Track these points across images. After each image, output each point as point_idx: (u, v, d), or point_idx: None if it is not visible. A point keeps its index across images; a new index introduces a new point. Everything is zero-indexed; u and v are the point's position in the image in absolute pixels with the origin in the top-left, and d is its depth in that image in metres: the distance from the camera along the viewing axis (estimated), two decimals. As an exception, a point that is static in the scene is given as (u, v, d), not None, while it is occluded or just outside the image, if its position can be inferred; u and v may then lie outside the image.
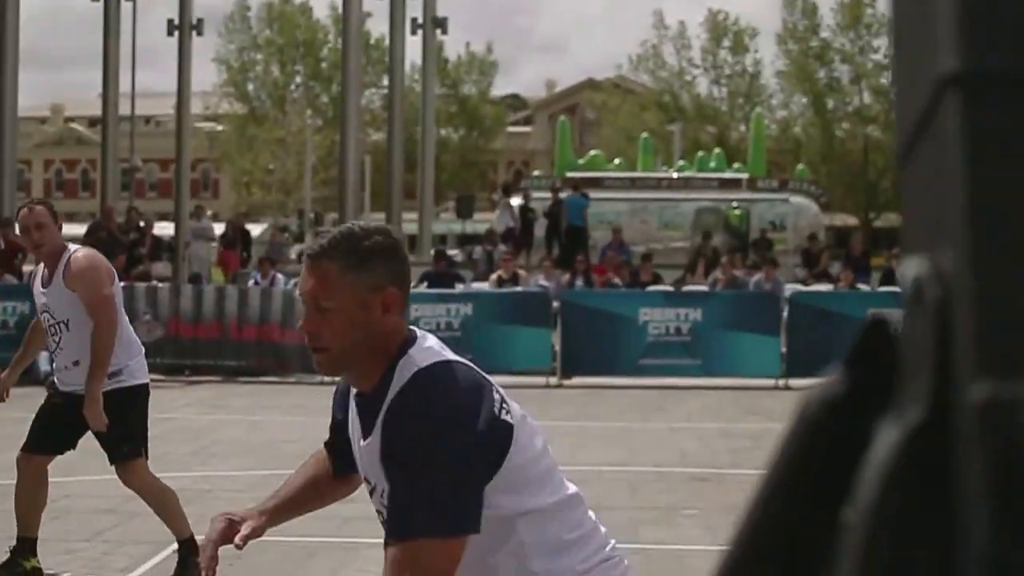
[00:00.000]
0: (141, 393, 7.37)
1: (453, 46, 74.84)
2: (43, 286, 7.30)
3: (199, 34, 37.29)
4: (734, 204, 35.00)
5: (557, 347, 17.07)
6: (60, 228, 7.41)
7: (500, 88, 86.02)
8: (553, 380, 16.86)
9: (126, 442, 7.22)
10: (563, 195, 28.46)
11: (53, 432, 7.51)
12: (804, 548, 0.81)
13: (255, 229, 40.18)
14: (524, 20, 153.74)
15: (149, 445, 7.36)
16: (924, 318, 0.65)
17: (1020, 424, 0.58)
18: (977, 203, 0.60)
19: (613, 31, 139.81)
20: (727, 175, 38.84)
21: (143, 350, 7.57)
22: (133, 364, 7.32)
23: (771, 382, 16.58)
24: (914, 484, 0.65)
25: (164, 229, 33.31)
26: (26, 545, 7.37)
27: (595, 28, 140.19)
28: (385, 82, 62.65)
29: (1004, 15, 0.60)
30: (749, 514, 0.84)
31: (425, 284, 20.14)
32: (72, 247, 7.42)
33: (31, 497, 7.45)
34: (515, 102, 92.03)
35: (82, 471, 10.50)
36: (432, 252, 26.34)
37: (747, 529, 0.84)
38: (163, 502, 7.32)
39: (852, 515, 0.69)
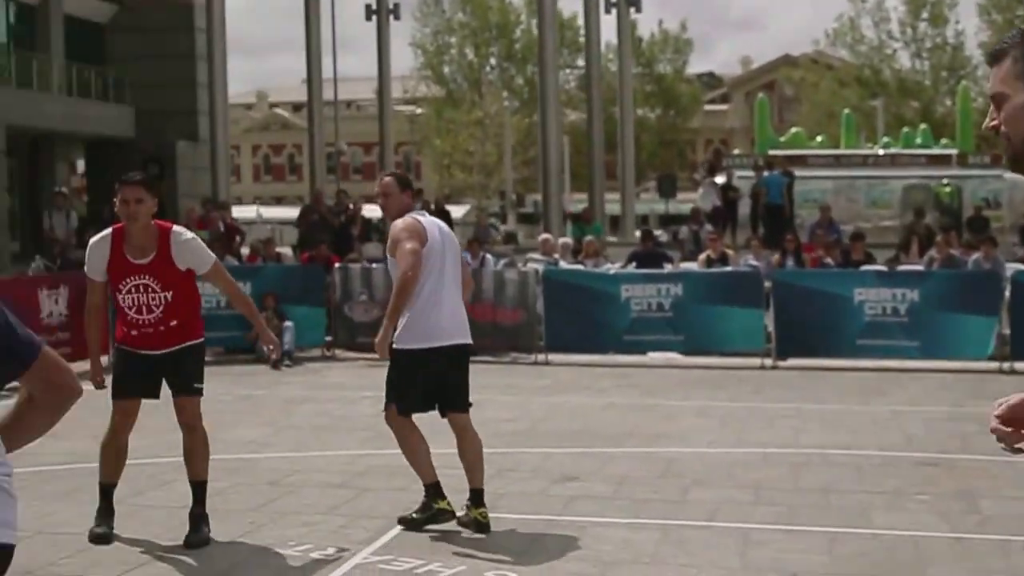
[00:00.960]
0: None
1: (646, 24, 74.52)
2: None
3: (396, 18, 37.77)
4: (944, 181, 34.06)
5: (770, 328, 16.83)
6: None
7: (695, 66, 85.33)
8: (768, 362, 16.64)
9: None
10: (744, 174, 28.10)
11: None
12: None
13: (456, 211, 40.60)
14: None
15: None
16: None
17: None
18: None
19: (811, 5, 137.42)
20: (935, 151, 37.83)
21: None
22: None
23: (994, 365, 16.08)
24: None
25: (371, 211, 33.77)
26: (431, 490, 7.98)
27: (792, 3, 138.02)
28: (579, 62, 62.88)
29: None
30: None
31: (633, 264, 20.07)
32: None
33: (413, 450, 8.03)
34: (711, 80, 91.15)
35: (310, 447, 10.78)
36: (638, 232, 26.25)
37: None
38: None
39: None
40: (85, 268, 7.99)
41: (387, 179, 8.25)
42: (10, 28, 42.50)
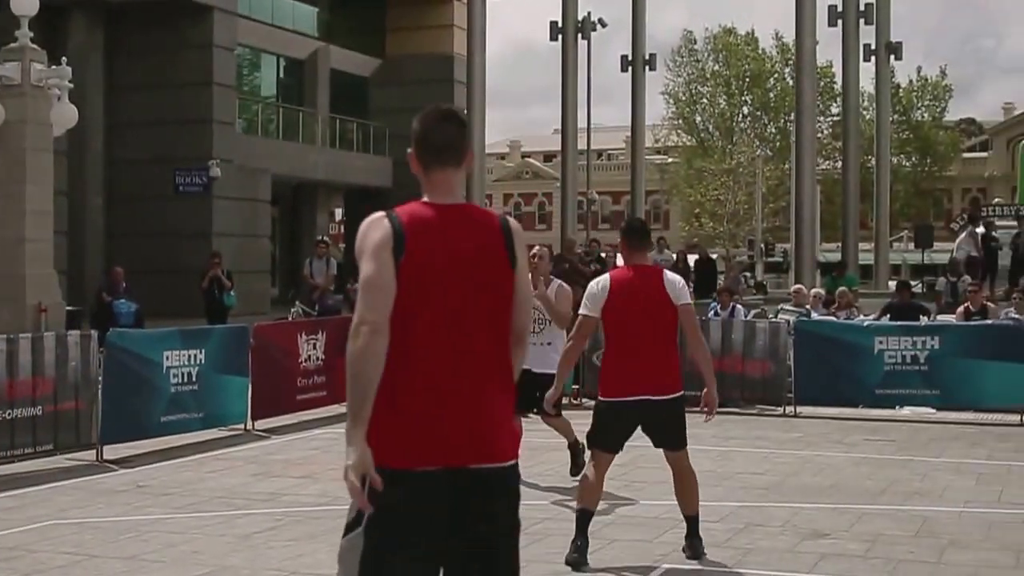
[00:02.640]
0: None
1: (904, 70, 72.88)
2: None
3: (651, 69, 37.89)
4: None
5: (1032, 384, 16.13)
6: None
7: (955, 113, 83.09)
8: (1029, 418, 15.96)
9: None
10: (1005, 224, 27.09)
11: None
12: None
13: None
14: (989, 41, 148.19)
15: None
16: None
17: None
18: None
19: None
20: None
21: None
22: None
23: None
24: None
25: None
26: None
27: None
28: (832, 110, 61.98)
29: None
30: None
31: (888, 316, 19.57)
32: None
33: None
34: (970, 127, 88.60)
35: (561, 493, 10.79)
36: (894, 283, 25.61)
37: None
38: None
39: None
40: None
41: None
42: (279, 83, 44.32)
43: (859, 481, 11.73)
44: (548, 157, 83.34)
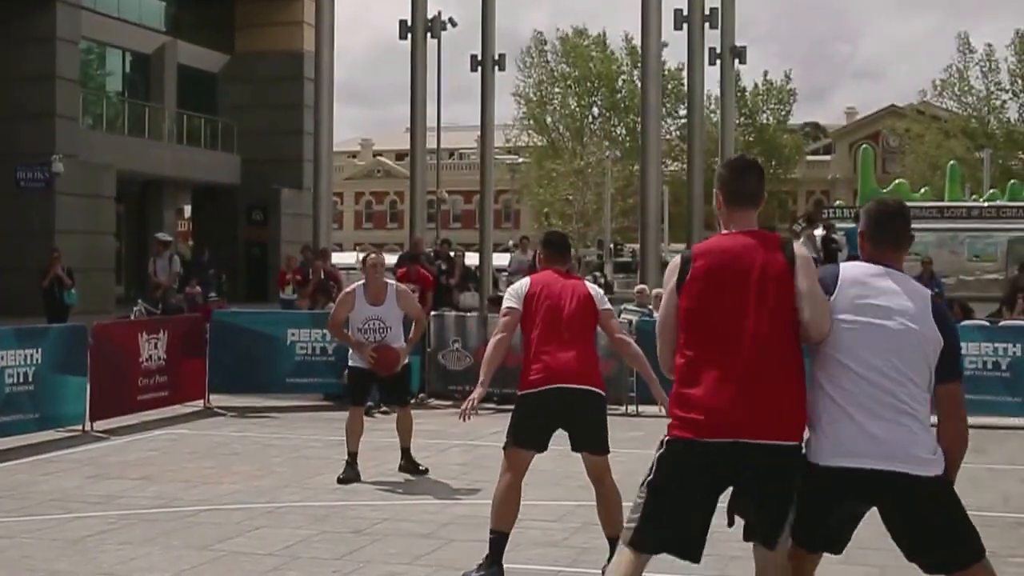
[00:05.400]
0: None
1: (751, 74, 74.35)
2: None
3: (501, 69, 37.97)
4: (1052, 234, 33.41)
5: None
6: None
7: (802, 116, 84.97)
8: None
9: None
10: (844, 226, 27.80)
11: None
12: None
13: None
14: (845, 47, 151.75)
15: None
16: None
17: None
18: None
19: (932, 55, 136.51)
20: (1042, 204, 37.14)
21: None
22: None
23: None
24: None
25: (472, 260, 33.92)
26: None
27: (913, 53, 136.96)
28: (680, 112, 62.86)
29: None
30: None
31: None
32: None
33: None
34: (814, 130, 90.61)
35: (399, 496, 10.80)
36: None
37: None
38: None
39: None
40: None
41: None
42: (125, 77, 43.52)
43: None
44: (400, 156, 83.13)
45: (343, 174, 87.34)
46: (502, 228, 67.28)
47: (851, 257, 26.32)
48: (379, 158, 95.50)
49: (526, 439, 7.87)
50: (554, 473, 10.87)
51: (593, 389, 7.88)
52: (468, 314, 18.66)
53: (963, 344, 16.19)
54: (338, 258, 36.31)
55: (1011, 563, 8.51)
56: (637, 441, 14.30)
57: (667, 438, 5.42)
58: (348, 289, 11.94)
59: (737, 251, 5.36)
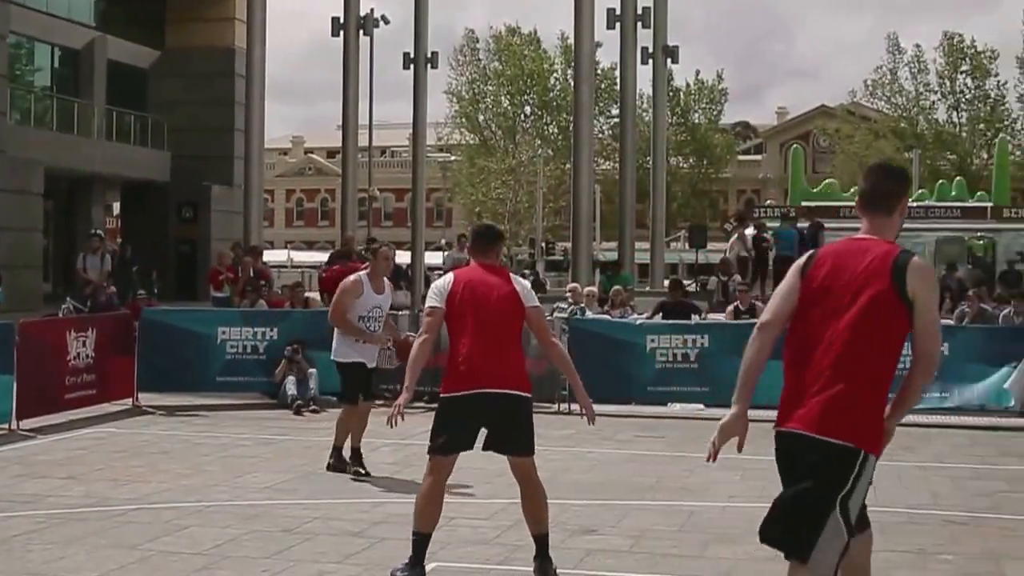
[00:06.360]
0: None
1: (683, 74, 74.68)
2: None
3: (433, 67, 37.93)
4: (978, 234, 33.87)
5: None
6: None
7: (735, 116, 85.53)
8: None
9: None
10: (773, 225, 28.00)
11: None
12: None
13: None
14: (779, 46, 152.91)
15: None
16: None
17: None
18: None
19: (871, 55, 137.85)
20: (970, 204, 37.64)
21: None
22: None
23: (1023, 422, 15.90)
24: None
25: (401, 258, 33.88)
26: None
27: (849, 53, 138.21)
28: (613, 111, 63.06)
29: None
30: None
31: (660, 315, 19.98)
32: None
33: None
34: (745, 130, 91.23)
35: (329, 494, 10.74)
36: (667, 282, 26.17)
37: None
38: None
39: None
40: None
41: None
42: (54, 72, 42.99)
43: (629, 477, 11.96)
44: (332, 153, 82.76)
45: (274, 171, 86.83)
46: (434, 226, 67.14)
47: (780, 256, 26.69)
48: (311, 155, 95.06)
49: (449, 443, 7.69)
50: (486, 471, 10.85)
51: (516, 393, 7.66)
52: (399, 313, 18.56)
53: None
54: (269, 256, 36.07)
55: (940, 560, 8.61)
56: (569, 439, 14.36)
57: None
58: (353, 278, 12.07)
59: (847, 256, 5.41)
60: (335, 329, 11.92)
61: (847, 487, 5.17)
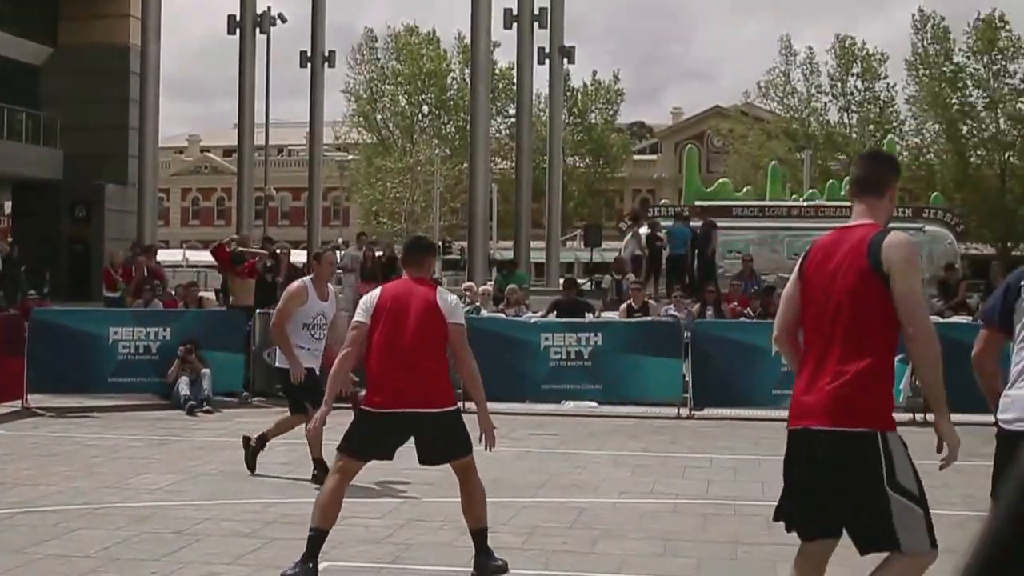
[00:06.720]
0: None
1: (580, 74, 75.11)
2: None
3: (331, 66, 37.83)
4: (867, 233, 34.37)
5: (688, 378, 16.95)
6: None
7: (631, 116, 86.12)
8: (684, 412, 16.75)
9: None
10: (667, 224, 28.28)
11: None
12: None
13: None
14: (677, 47, 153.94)
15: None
16: None
17: None
18: None
19: (753, 58, 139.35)
20: (859, 204, 38.21)
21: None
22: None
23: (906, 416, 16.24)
24: None
25: (297, 257, 33.71)
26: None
27: (747, 53, 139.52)
28: (510, 111, 63.21)
29: None
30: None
31: (555, 313, 20.13)
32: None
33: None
34: (640, 130, 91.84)
35: (221, 495, 10.72)
36: (561, 280, 26.33)
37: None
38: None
39: None
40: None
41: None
42: (-61, 68, 42.19)
43: (521, 475, 12.06)
44: (228, 152, 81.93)
45: (170, 170, 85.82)
46: (331, 226, 66.77)
47: (673, 255, 26.97)
48: (207, 154, 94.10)
49: (362, 451, 7.81)
50: (380, 469, 10.89)
51: (436, 411, 7.74)
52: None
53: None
54: (164, 255, 35.70)
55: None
56: (505, 439, 14.45)
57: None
58: (298, 283, 11.64)
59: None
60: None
61: (884, 469, 5.18)
